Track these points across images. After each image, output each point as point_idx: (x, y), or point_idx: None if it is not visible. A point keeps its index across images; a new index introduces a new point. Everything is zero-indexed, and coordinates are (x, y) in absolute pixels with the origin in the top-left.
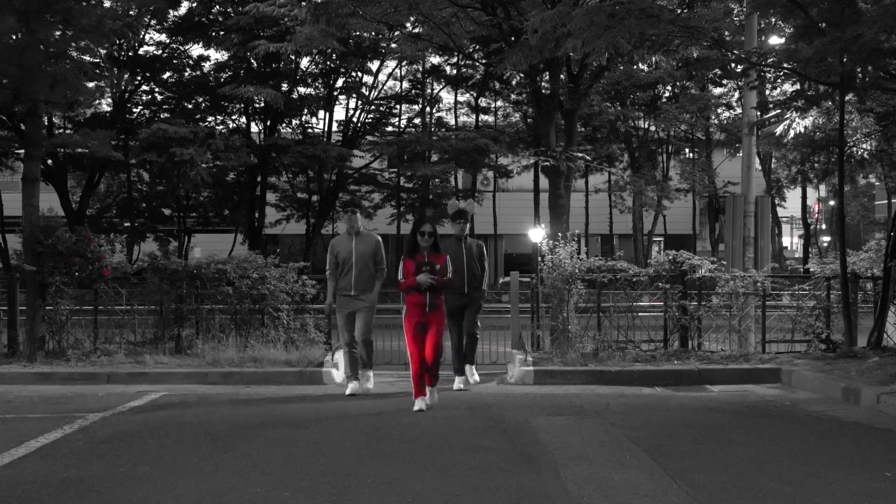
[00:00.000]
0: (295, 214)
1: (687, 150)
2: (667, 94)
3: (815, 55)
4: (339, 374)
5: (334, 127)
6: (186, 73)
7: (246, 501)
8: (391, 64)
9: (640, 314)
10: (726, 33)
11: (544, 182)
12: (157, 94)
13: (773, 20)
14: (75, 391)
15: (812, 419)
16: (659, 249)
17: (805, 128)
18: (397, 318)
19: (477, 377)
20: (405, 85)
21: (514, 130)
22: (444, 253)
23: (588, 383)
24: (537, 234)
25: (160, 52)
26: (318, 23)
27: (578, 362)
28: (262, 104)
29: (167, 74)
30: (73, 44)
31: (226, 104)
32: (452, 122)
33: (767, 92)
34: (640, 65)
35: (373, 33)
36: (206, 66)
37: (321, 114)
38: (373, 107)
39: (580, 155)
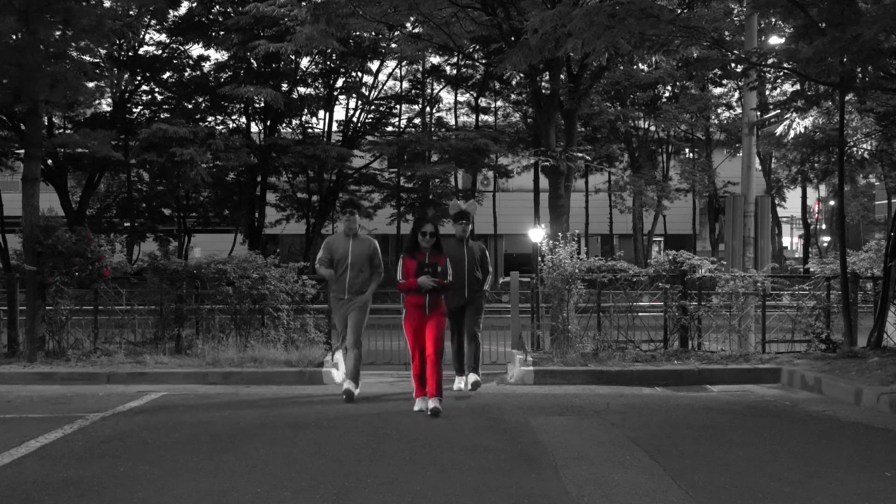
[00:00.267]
0: (295, 214)
1: (687, 150)
2: (667, 94)
3: (815, 55)
4: (339, 374)
5: (334, 127)
6: (186, 73)
7: (246, 501)
8: (391, 64)
9: (640, 314)
10: (726, 33)
11: (544, 182)
12: (157, 94)
13: (773, 20)
14: (75, 391)
15: (812, 419)
16: (659, 249)
17: (805, 128)
18: (397, 318)
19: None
20: (405, 85)
21: (514, 130)
22: (445, 254)
23: (588, 383)
24: (537, 234)
25: (160, 52)
26: (318, 23)
27: (578, 362)
28: (262, 104)
29: (167, 74)
30: (73, 44)
31: (226, 104)
32: (452, 122)
33: (767, 92)
34: (640, 65)
35: (373, 33)
36: (206, 66)
37: (321, 114)
38: (373, 107)
39: (580, 155)
